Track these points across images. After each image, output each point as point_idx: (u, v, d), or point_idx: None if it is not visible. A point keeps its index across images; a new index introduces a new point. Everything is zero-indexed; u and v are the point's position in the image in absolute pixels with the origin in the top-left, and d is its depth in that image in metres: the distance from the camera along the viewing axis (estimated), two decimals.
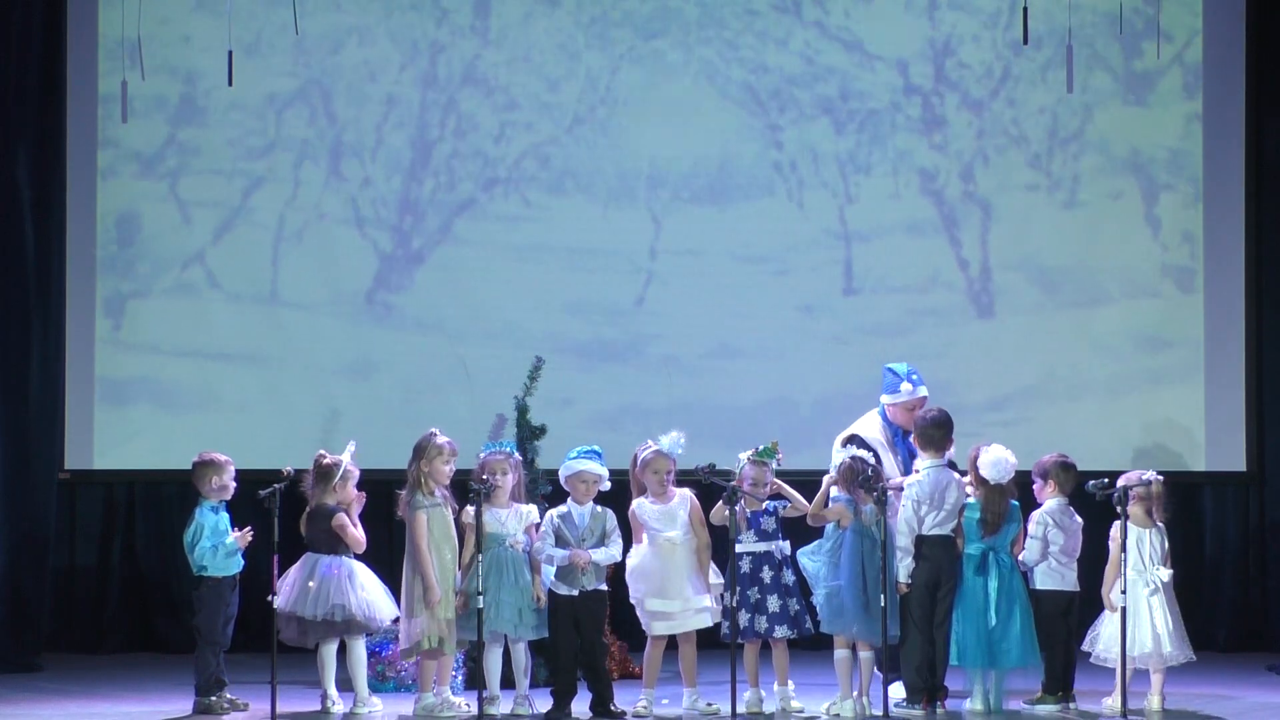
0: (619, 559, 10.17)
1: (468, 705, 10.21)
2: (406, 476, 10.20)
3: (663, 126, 12.97)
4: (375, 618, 10.23)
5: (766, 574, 10.19)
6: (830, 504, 10.19)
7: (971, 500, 10.22)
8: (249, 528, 10.35)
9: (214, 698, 10.25)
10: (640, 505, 10.22)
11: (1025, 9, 11.06)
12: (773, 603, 10.16)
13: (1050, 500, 10.32)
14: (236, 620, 10.43)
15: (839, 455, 10.28)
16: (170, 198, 12.84)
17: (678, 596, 10.12)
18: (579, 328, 12.88)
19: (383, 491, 10.43)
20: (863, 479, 10.02)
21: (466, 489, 10.04)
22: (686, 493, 10.29)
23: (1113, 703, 10.12)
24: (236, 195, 12.85)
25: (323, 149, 12.92)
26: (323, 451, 10.38)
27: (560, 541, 10.08)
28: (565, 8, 12.95)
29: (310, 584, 10.12)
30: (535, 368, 11.49)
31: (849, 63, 12.99)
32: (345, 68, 12.94)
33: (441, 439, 10.20)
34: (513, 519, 10.17)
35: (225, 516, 10.38)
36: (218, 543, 10.24)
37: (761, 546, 10.22)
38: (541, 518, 10.22)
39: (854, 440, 10.54)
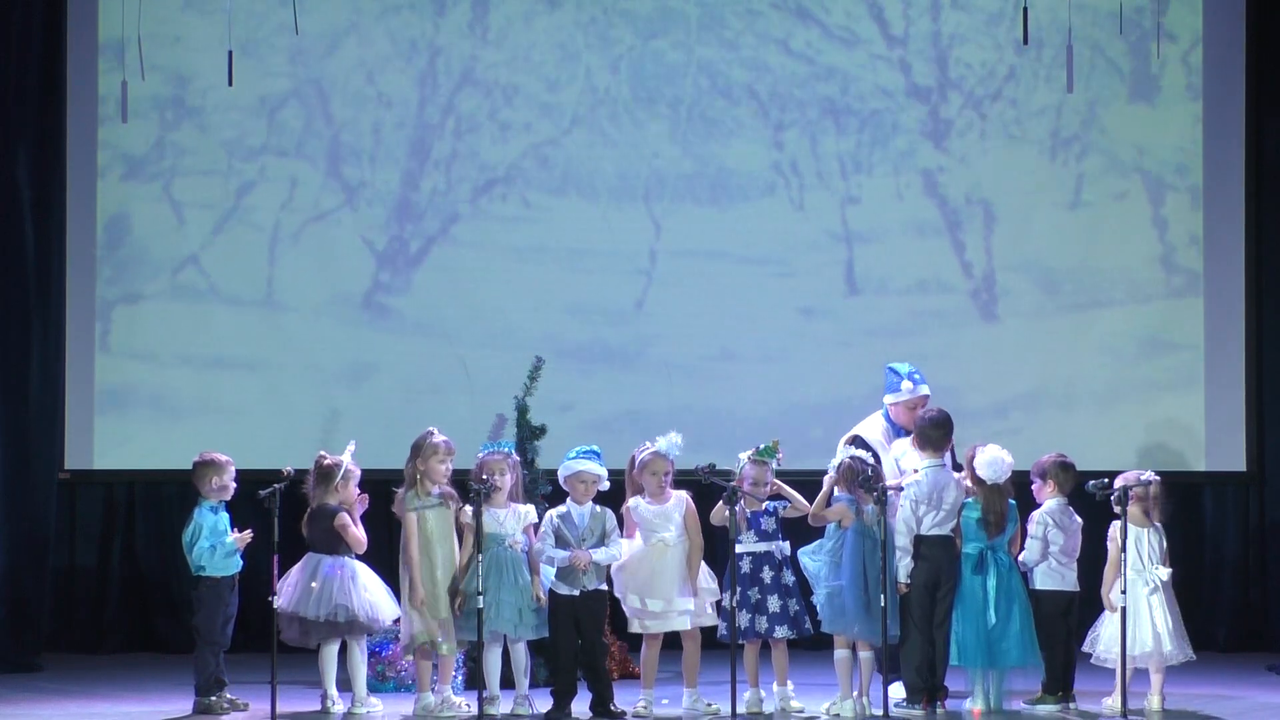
0: (620, 559, 10.16)
1: (468, 705, 10.21)
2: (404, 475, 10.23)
3: (663, 127, 12.95)
4: (377, 618, 10.22)
5: (767, 574, 10.18)
6: (832, 504, 10.19)
7: (970, 500, 10.22)
8: (249, 529, 10.34)
9: (214, 698, 10.24)
10: (637, 504, 10.21)
11: (1025, 9, 11.07)
12: (773, 603, 10.15)
13: (1050, 500, 10.32)
14: (236, 620, 10.42)
15: (839, 455, 10.29)
16: (169, 198, 12.83)
17: (662, 597, 10.11)
18: (578, 330, 12.87)
19: (383, 492, 10.42)
20: (863, 479, 10.02)
21: (466, 489, 10.04)
22: (684, 495, 10.28)
23: (1113, 703, 10.11)
24: (235, 196, 12.84)
25: (320, 149, 12.90)
26: (323, 452, 10.38)
27: (560, 542, 10.07)
28: (565, 7, 12.93)
29: (313, 585, 10.12)
30: (535, 368, 11.49)
31: (850, 63, 12.98)
32: (343, 68, 12.92)
33: (439, 438, 10.20)
34: (511, 519, 10.16)
35: (225, 517, 10.38)
36: (216, 543, 10.23)
37: (762, 547, 10.22)
38: (541, 518, 10.21)
39: (855, 441, 10.55)
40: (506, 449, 10.39)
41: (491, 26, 12.95)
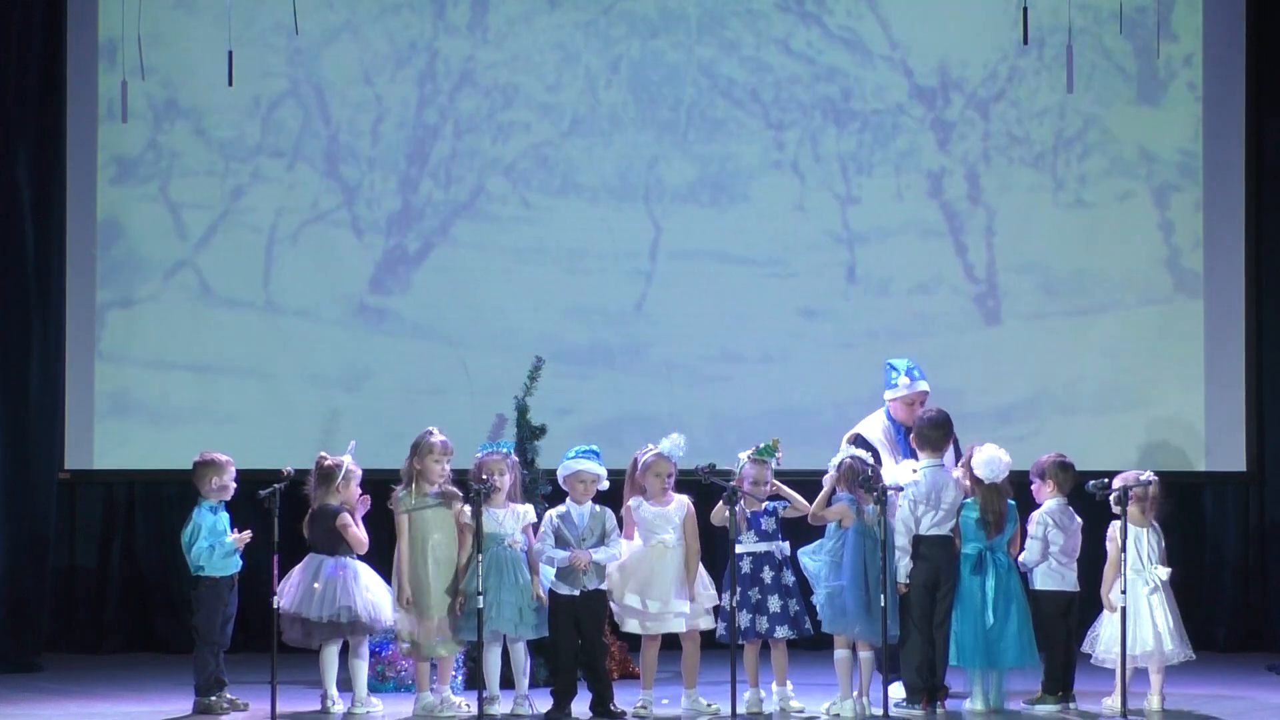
0: (620, 558, 10.16)
1: (468, 705, 10.21)
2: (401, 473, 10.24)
3: (663, 128, 12.94)
4: (379, 619, 10.21)
5: (767, 574, 10.18)
6: (832, 503, 10.18)
7: (968, 500, 10.22)
8: (248, 530, 10.34)
9: (214, 698, 10.24)
10: (639, 505, 10.20)
11: (1025, 9, 11.05)
12: (773, 603, 10.15)
13: (1050, 500, 10.32)
14: (236, 620, 10.42)
15: (840, 454, 10.29)
16: (169, 199, 12.82)
17: (660, 598, 10.10)
18: (578, 331, 12.85)
19: (384, 492, 10.42)
20: (863, 479, 10.02)
21: (466, 489, 10.04)
22: (685, 500, 10.28)
23: (1113, 703, 10.11)
24: (235, 196, 12.83)
25: (317, 150, 12.88)
26: (324, 453, 10.38)
27: (560, 542, 10.07)
28: (564, 7, 12.91)
29: (315, 585, 10.11)
30: (535, 368, 11.49)
31: (851, 63, 12.96)
32: (341, 68, 12.90)
33: (436, 438, 10.21)
34: (510, 519, 10.16)
35: (224, 516, 10.37)
36: (215, 542, 10.23)
37: (762, 547, 10.22)
38: (540, 517, 10.21)
39: (856, 440, 10.56)
40: (505, 449, 10.39)
41: (491, 26, 12.94)
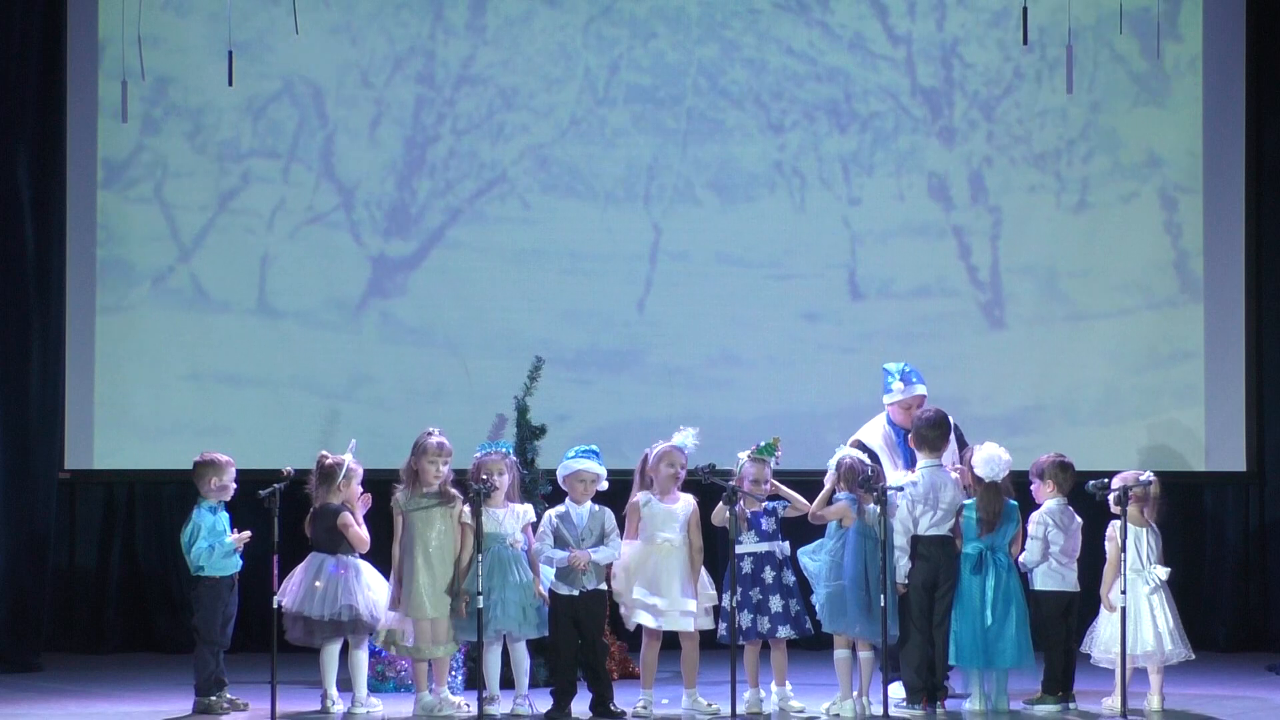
0: (619, 558, 10.16)
1: (467, 705, 10.21)
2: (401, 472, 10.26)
3: (663, 128, 12.92)
4: (380, 618, 10.20)
5: (768, 574, 10.18)
6: (833, 503, 10.19)
7: (970, 500, 10.22)
8: (248, 530, 10.34)
9: (214, 697, 10.24)
10: (648, 500, 10.20)
11: (1025, 9, 11.05)
12: (775, 603, 10.15)
13: (1050, 500, 10.32)
14: (236, 620, 10.42)
15: (837, 454, 10.29)
16: (168, 199, 12.81)
17: (666, 595, 10.11)
18: (577, 335, 12.82)
19: (385, 491, 10.42)
20: (863, 479, 10.03)
21: (466, 489, 10.04)
22: (691, 499, 10.29)
23: (1112, 703, 10.11)
24: (235, 197, 12.83)
25: (314, 151, 12.87)
26: (324, 452, 10.38)
27: (559, 541, 10.07)
28: (563, 6, 12.91)
29: (317, 584, 10.11)
30: (535, 368, 11.49)
31: (852, 63, 12.95)
32: (338, 67, 12.88)
33: (434, 439, 10.21)
34: (510, 519, 10.16)
35: (224, 516, 10.37)
36: (214, 542, 10.22)
37: (763, 547, 10.22)
38: (540, 517, 10.21)
39: (857, 446, 10.58)
40: (504, 449, 10.39)
41: (489, 26, 12.92)
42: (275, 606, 9.96)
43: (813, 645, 10.70)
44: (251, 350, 12.77)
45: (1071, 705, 10.23)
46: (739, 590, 10.11)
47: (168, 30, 12.71)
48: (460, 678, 10.73)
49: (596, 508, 10.19)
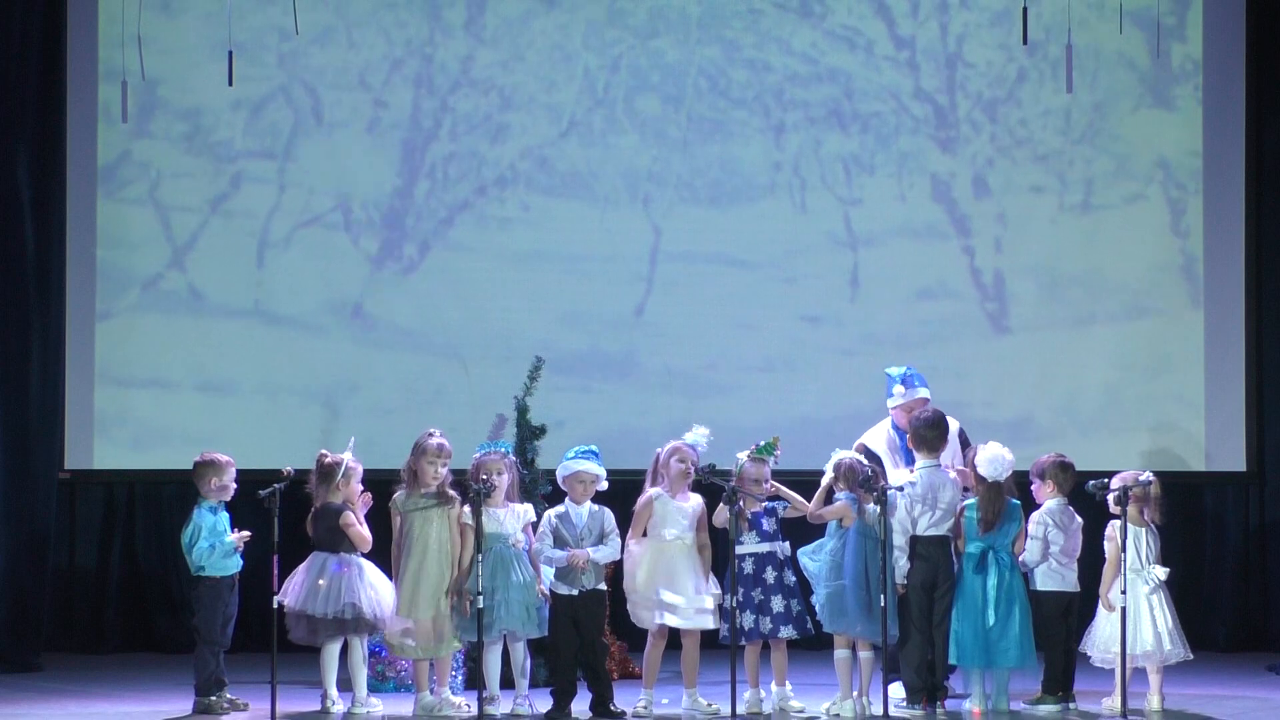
0: (618, 557, 10.17)
1: (468, 705, 10.21)
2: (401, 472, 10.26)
3: (662, 129, 12.92)
4: (384, 616, 10.19)
5: (770, 574, 10.18)
6: (833, 502, 10.19)
7: (971, 500, 10.23)
8: (248, 531, 10.33)
9: (214, 697, 10.23)
10: (660, 498, 10.20)
11: (1025, 9, 11.05)
12: (777, 603, 10.15)
13: (1050, 500, 10.32)
14: (237, 620, 10.41)
15: (835, 455, 10.29)
16: (168, 200, 12.80)
17: (684, 592, 10.11)
18: (576, 338, 12.80)
19: (385, 491, 10.42)
20: (863, 479, 10.03)
21: (465, 490, 10.04)
22: (699, 498, 10.30)
23: (1112, 703, 10.11)
24: (235, 196, 12.82)
25: (311, 152, 12.86)
26: (324, 451, 10.37)
27: (558, 541, 10.07)
28: (562, 6, 12.90)
29: (320, 582, 10.10)
30: (535, 368, 11.49)
31: (853, 63, 12.94)
32: (335, 68, 12.86)
33: (434, 441, 10.20)
34: (510, 519, 10.16)
35: (224, 516, 10.37)
36: (215, 542, 10.22)
37: (764, 547, 10.22)
38: (540, 517, 10.21)
39: (861, 450, 10.61)
40: (504, 449, 10.39)
41: (488, 26, 12.91)
42: (275, 606, 9.96)
43: (813, 645, 10.70)
44: (251, 351, 12.77)
45: (1071, 705, 10.23)
46: (741, 590, 10.11)
47: (163, 31, 12.66)
48: (460, 678, 10.73)
49: (596, 508, 10.19)
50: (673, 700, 10.34)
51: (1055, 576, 10.26)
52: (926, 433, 10.32)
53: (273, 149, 12.86)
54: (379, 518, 10.38)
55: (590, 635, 10.10)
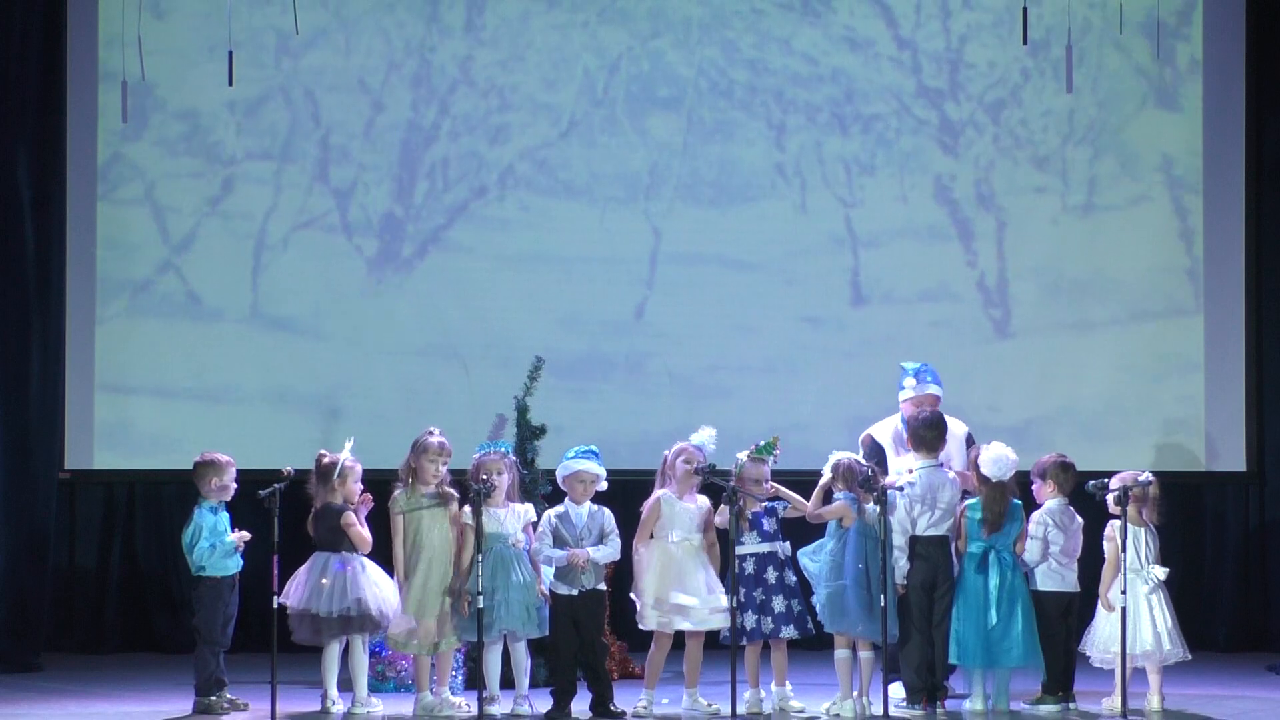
0: (618, 557, 10.18)
1: (468, 705, 10.21)
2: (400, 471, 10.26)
3: (663, 129, 12.91)
4: (387, 614, 10.19)
5: (771, 575, 10.19)
6: (832, 502, 10.19)
7: (973, 500, 10.23)
8: (247, 532, 10.33)
9: (214, 697, 10.23)
10: (669, 500, 10.20)
11: (1025, 9, 11.04)
12: (778, 603, 10.15)
13: (1050, 500, 10.32)
14: (237, 620, 10.41)
15: (833, 456, 10.30)
16: (166, 200, 12.80)
17: (696, 593, 10.11)
18: (576, 340, 12.77)
19: (385, 492, 10.42)
20: (862, 479, 10.03)
21: (465, 490, 10.03)
22: (705, 499, 10.31)
23: (1112, 703, 10.11)
24: (235, 197, 12.81)
25: (309, 152, 12.85)
26: (323, 451, 10.37)
27: (558, 541, 10.08)
28: (562, 6, 12.88)
29: (323, 581, 10.09)
30: (535, 368, 11.49)
31: (855, 63, 12.94)
32: (333, 68, 12.84)
33: (435, 439, 10.21)
34: (511, 518, 10.16)
35: (225, 517, 10.37)
36: (215, 542, 10.22)
37: (765, 547, 10.23)
38: (540, 517, 10.21)
39: (867, 440, 10.66)
40: (503, 448, 10.39)
41: (487, 26, 12.90)
42: (275, 606, 9.95)
43: (813, 645, 10.70)
44: (250, 351, 12.76)
45: (1071, 705, 10.23)
46: (742, 590, 10.11)
47: (160, 31, 12.63)
48: (460, 678, 10.73)
49: (596, 508, 10.20)
50: (673, 700, 10.34)
51: (1055, 577, 10.26)
52: (925, 433, 10.33)
53: (270, 150, 12.85)
54: (379, 518, 10.38)
55: (590, 635, 10.10)
